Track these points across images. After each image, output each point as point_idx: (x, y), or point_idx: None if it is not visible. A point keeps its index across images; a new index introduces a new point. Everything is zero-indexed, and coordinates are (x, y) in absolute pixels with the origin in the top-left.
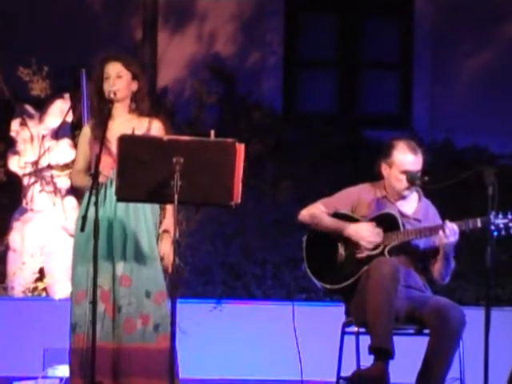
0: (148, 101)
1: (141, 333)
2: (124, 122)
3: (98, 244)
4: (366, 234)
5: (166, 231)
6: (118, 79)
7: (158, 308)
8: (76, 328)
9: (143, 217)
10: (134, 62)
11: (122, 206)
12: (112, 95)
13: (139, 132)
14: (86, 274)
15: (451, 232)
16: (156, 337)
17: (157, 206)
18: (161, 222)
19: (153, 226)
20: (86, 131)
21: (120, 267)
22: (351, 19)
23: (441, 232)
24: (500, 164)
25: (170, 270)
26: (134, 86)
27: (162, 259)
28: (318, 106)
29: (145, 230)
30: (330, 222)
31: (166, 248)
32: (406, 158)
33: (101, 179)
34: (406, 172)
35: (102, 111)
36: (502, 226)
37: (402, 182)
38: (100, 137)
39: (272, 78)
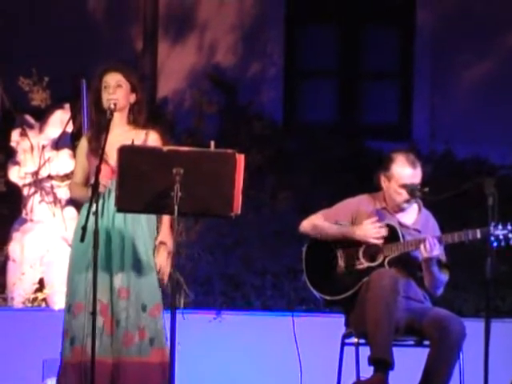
0: (145, 113)
1: (138, 346)
2: (122, 134)
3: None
4: (372, 231)
5: (162, 243)
6: (118, 88)
7: (153, 321)
8: (75, 341)
9: (140, 228)
10: (133, 73)
11: (119, 217)
12: (112, 105)
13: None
14: (84, 286)
15: (431, 247)
16: (150, 351)
17: (153, 217)
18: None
19: (149, 238)
20: (83, 143)
21: (118, 279)
22: (351, 29)
23: (422, 247)
24: (500, 175)
25: (165, 281)
26: (133, 98)
27: (158, 271)
28: (318, 116)
29: (142, 242)
30: (335, 229)
31: (163, 260)
32: (404, 172)
33: (99, 189)
34: (404, 186)
35: (100, 122)
36: (501, 237)
37: (401, 196)
38: (98, 148)
39: (272, 89)
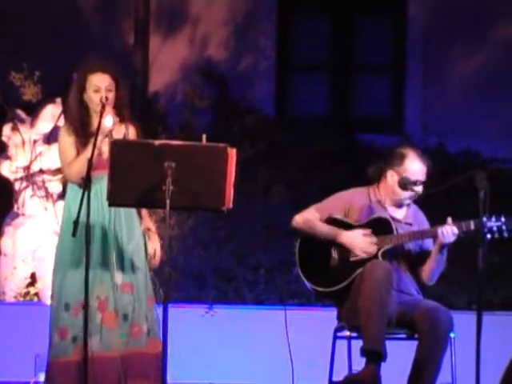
0: (128, 107)
1: (143, 337)
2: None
3: (93, 251)
4: (359, 242)
5: (148, 229)
6: (109, 92)
7: (149, 312)
8: (77, 340)
9: (135, 221)
10: (115, 69)
11: (113, 211)
12: (104, 100)
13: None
14: (83, 284)
15: (449, 232)
16: (147, 341)
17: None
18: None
19: (139, 229)
20: (66, 132)
21: (119, 275)
22: (343, 23)
23: (439, 231)
24: (492, 168)
25: (157, 266)
26: (117, 94)
27: (153, 256)
28: (310, 109)
29: (137, 234)
30: (323, 228)
31: (157, 244)
32: (417, 168)
33: (112, 127)
34: (400, 179)
35: (82, 118)
36: (495, 228)
37: (406, 191)
38: (87, 142)
39: (264, 82)
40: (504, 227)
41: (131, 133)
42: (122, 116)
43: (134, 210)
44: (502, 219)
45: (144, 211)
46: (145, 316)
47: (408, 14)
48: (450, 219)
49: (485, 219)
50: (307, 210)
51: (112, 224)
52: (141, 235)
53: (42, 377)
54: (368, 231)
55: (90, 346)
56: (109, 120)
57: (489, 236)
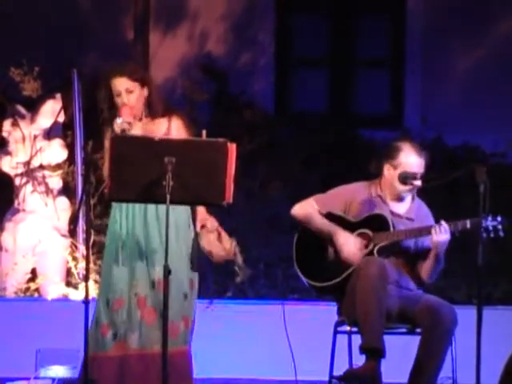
0: (161, 101)
1: (183, 336)
2: (142, 127)
3: (132, 250)
4: (351, 248)
5: (203, 226)
6: (130, 94)
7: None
8: (117, 336)
9: (181, 218)
10: (138, 69)
11: (152, 209)
12: (125, 125)
13: (160, 134)
14: (124, 281)
15: (443, 231)
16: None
17: (188, 209)
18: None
19: (187, 227)
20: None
21: (157, 271)
22: (342, 18)
23: (433, 231)
24: (492, 162)
25: (235, 259)
26: (146, 92)
27: (211, 256)
28: (309, 105)
29: (181, 233)
30: (320, 224)
31: (207, 243)
32: (412, 161)
33: (124, 126)
34: (400, 173)
35: (108, 118)
36: (490, 228)
37: (404, 185)
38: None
39: (264, 77)
40: (500, 227)
41: (174, 126)
42: (154, 113)
43: (183, 208)
44: (498, 219)
45: (201, 210)
46: (182, 313)
47: (407, 9)
48: (442, 221)
49: (481, 218)
50: (307, 200)
51: (154, 219)
52: (186, 233)
53: (42, 372)
54: (363, 242)
55: (130, 342)
56: (118, 121)
57: (484, 235)
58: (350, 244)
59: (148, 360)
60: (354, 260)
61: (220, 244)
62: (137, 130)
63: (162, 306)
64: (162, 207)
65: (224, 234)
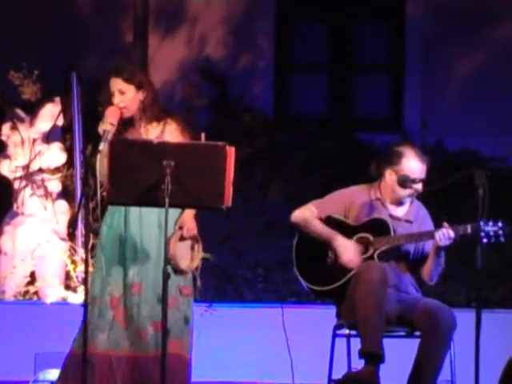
0: (157, 105)
1: (153, 339)
2: (135, 130)
3: (110, 252)
4: (350, 254)
5: (179, 228)
6: (122, 95)
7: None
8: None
9: (157, 222)
10: (136, 72)
11: (134, 211)
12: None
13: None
14: (99, 281)
15: (446, 236)
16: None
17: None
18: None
19: (171, 229)
20: None
21: (131, 274)
22: (342, 22)
23: (436, 235)
24: (491, 166)
25: (180, 267)
26: (141, 95)
27: (171, 259)
28: (309, 108)
29: (157, 236)
30: (320, 229)
31: (171, 246)
32: (414, 166)
33: (106, 127)
34: (399, 177)
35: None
36: (491, 233)
37: (405, 189)
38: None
39: (263, 81)
40: (501, 232)
41: (168, 131)
42: (143, 117)
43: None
44: (499, 224)
45: (187, 213)
46: (153, 317)
47: (406, 14)
48: (446, 224)
49: (482, 223)
50: (307, 205)
51: (129, 223)
52: (160, 236)
53: (41, 376)
54: (362, 250)
55: (97, 342)
56: (101, 122)
57: (485, 240)
58: (348, 249)
59: (106, 361)
60: (352, 265)
61: (187, 254)
62: (132, 134)
63: (131, 311)
64: (145, 208)
65: (198, 248)
